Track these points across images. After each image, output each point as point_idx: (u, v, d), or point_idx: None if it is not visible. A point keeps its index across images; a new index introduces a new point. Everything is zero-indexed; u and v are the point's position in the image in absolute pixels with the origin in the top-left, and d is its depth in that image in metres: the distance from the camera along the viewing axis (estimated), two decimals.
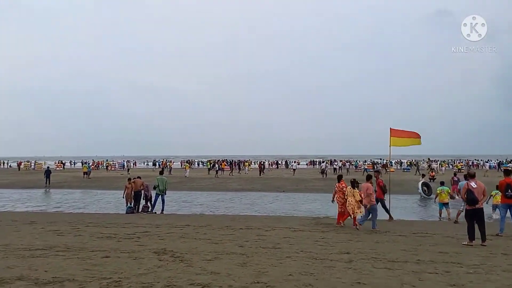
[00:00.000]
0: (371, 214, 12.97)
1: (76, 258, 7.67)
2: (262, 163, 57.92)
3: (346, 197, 13.49)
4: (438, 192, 16.76)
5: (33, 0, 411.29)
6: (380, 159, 67.11)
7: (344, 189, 13.81)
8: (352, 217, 13.30)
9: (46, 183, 35.91)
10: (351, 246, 9.57)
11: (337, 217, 14.30)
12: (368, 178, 13.77)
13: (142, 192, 18.40)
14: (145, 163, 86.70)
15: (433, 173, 39.70)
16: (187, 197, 26.59)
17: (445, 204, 16.72)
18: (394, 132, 16.63)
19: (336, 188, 14.29)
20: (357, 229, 12.67)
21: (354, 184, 13.54)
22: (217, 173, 46.76)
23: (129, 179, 19.66)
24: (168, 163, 63.52)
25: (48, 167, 42.36)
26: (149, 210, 18.10)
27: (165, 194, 18.25)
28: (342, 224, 13.74)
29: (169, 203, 22.23)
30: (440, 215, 17.14)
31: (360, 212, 13.11)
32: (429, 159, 56.12)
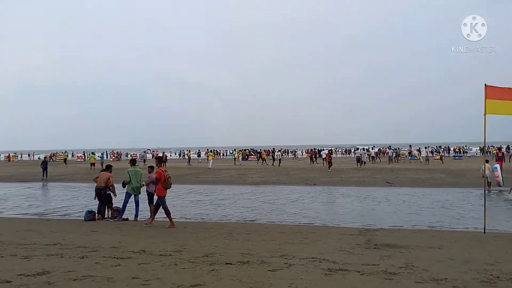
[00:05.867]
0: None
1: None
2: (313, 150, 51.84)
3: None
4: None
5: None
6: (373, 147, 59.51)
7: None
8: None
9: (43, 175, 31.58)
10: None
11: None
12: None
13: (111, 190, 12.93)
14: (175, 154, 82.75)
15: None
16: (195, 192, 21.09)
17: None
18: (491, 92, 10.09)
19: None
20: None
21: None
22: (264, 161, 44.80)
23: (102, 171, 14.35)
24: (185, 153, 58.10)
25: (45, 157, 38.20)
26: (119, 216, 12.63)
27: (139, 194, 12.72)
28: None
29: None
30: None
31: None
32: (410, 146, 52.41)
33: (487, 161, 23.97)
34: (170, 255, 7.29)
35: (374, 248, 8.08)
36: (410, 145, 53.68)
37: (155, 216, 11.79)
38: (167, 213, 11.11)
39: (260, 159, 46.51)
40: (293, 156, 66.08)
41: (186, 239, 9.11)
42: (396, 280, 5.71)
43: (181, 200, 18.26)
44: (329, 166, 33.72)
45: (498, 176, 20.55)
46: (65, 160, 56.70)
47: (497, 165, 21.87)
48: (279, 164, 41.01)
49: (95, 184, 13.11)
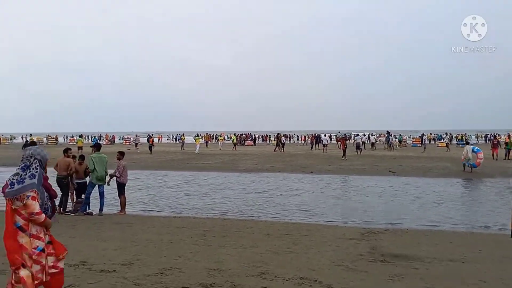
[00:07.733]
0: None
1: None
2: (314, 135, 49.19)
3: None
4: None
5: None
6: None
7: None
8: None
9: None
10: None
11: None
12: None
13: (70, 179, 11.15)
14: (171, 138, 79.87)
15: None
16: (180, 179, 19.31)
17: None
18: None
19: None
20: None
21: None
22: (279, 147, 39.21)
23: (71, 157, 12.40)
24: (181, 137, 56.09)
25: (27, 141, 36.43)
26: (81, 209, 10.89)
27: (104, 184, 11.01)
28: None
29: (141, 191, 15.23)
30: None
31: None
32: (387, 132, 49.06)
33: (467, 143, 23.33)
34: (114, 271, 5.58)
35: (381, 261, 6.36)
36: (388, 131, 50.67)
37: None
38: None
39: (279, 145, 40.54)
40: (303, 141, 63.35)
41: (147, 243, 7.37)
42: None
43: (162, 188, 16.55)
44: (344, 154, 30.31)
45: (481, 158, 21.61)
46: (31, 143, 54.39)
47: (480, 150, 23.01)
48: (283, 149, 39.07)
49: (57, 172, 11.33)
